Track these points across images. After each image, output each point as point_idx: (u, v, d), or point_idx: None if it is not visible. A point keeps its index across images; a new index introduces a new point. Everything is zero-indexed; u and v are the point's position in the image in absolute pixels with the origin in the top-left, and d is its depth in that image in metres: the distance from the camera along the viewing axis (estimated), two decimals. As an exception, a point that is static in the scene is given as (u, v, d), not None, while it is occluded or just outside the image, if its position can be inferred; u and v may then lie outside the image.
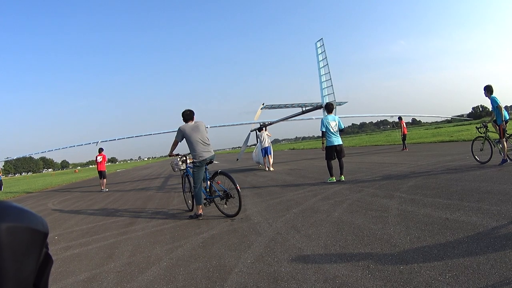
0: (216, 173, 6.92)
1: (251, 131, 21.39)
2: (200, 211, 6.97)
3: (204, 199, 7.01)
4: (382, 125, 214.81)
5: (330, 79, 16.48)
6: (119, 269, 4.44)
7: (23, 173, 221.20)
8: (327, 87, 16.63)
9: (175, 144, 7.26)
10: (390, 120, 27.82)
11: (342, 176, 9.65)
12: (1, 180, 30.07)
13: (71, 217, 9.59)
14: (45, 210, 12.01)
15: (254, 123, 21.83)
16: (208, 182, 7.03)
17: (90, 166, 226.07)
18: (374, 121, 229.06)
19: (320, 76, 17.14)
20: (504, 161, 9.04)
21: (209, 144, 7.01)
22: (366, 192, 7.54)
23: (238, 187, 6.43)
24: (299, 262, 3.83)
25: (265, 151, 16.47)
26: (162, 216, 7.99)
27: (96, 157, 17.52)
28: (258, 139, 16.96)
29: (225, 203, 6.72)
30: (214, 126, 26.31)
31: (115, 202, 12.00)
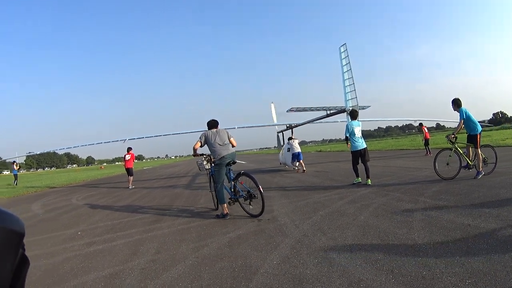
0: (239, 174, 7.50)
1: (278, 132, 24.47)
2: (226, 211, 7.45)
3: (229, 198, 7.66)
4: (407, 129, 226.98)
5: (353, 83, 18.01)
6: (143, 266, 4.64)
7: (46, 168, 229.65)
8: (350, 91, 18.32)
9: (196, 147, 7.94)
10: (415, 124, 28.76)
11: (369, 180, 10.17)
12: (16, 174, 31.75)
13: (96, 213, 10.06)
14: (68, 205, 12.61)
15: (280, 124, 24.53)
16: (232, 183, 7.61)
17: (117, 163, 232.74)
18: (400, 125, 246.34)
19: (344, 80, 18.81)
20: (479, 173, 9.34)
21: (227, 144, 7.76)
22: (391, 196, 7.93)
23: (260, 188, 6.88)
24: (324, 265, 3.99)
25: (299, 156, 17.55)
26: (188, 214, 8.33)
27: (125, 156, 19.01)
28: (289, 146, 18.22)
29: (249, 203, 7.18)
30: (241, 127, 27.93)
31: (141, 199, 12.48)
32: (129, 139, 27.49)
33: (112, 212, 9.85)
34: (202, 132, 7.99)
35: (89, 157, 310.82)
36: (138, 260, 4.92)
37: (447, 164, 9.65)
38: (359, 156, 10.55)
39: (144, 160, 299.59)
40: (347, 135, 10.74)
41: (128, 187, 18.47)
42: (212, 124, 8.08)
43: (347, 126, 10.79)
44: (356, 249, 4.38)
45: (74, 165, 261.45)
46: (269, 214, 7.19)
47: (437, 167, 9.65)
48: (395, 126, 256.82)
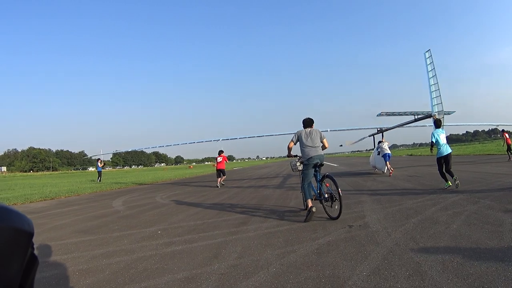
0: (324, 176, 8.32)
1: (369, 135, 27.83)
2: (310, 204, 7.86)
3: (315, 199, 8.32)
4: (493, 133, 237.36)
5: (439, 89, 20.30)
6: (222, 271, 4.65)
7: (133, 166, 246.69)
8: (436, 96, 20.53)
9: (290, 146, 8.90)
10: (499, 129, 28.08)
11: (449, 182, 11.42)
12: (100, 171, 34.08)
13: (179, 212, 10.45)
14: (152, 203, 13.26)
15: (370, 128, 27.52)
16: (318, 184, 8.35)
17: (206, 163, 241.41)
18: (486, 130, 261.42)
19: (430, 85, 20.95)
20: None
21: (317, 147, 8.48)
22: (482, 204, 8.29)
23: (340, 191, 7.53)
24: (416, 279, 4.00)
25: (388, 157, 19.44)
26: (277, 216, 8.52)
27: (216, 158, 21.18)
28: (379, 150, 20.39)
29: (330, 205, 7.93)
30: (333, 130, 30.21)
31: (229, 200, 12.88)
32: (222, 139, 30.58)
33: (197, 212, 10.16)
34: (296, 131, 8.88)
35: (178, 157, 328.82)
36: (218, 265, 4.96)
37: None
38: (443, 162, 11.86)
39: (234, 161, 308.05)
40: (433, 141, 12.16)
41: (216, 186, 19.84)
42: (307, 123, 8.92)
43: (432, 134, 12.19)
44: (449, 261, 4.45)
45: (163, 164, 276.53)
46: (361, 220, 7.48)
47: None
48: (482, 131, 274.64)
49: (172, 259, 5.42)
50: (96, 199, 16.61)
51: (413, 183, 13.89)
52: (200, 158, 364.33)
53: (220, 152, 21.06)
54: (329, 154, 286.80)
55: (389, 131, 26.33)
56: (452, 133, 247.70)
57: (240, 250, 5.65)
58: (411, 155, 62.30)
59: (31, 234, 0.79)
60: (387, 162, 19.21)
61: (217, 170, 20.75)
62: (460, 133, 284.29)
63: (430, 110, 21.29)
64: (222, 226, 7.77)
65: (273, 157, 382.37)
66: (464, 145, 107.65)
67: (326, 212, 8.09)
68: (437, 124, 12.57)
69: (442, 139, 11.93)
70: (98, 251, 6.25)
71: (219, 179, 20.28)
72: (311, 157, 8.26)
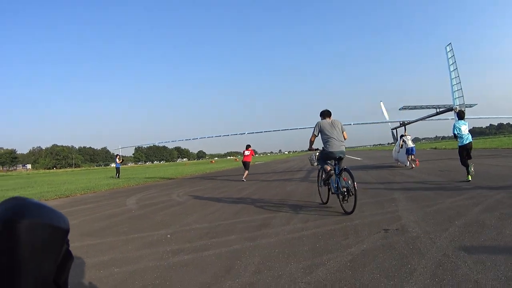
0: (342, 170, 8.13)
1: (392, 129, 27.84)
2: (330, 171, 8.33)
3: (332, 192, 8.51)
4: None
5: (460, 82, 20.50)
6: (235, 290, 3.84)
7: (155, 162, 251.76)
8: (457, 90, 20.68)
9: (312, 138, 8.96)
10: None
11: (469, 176, 11.80)
12: (118, 167, 33.87)
13: (194, 211, 9.74)
14: (167, 201, 12.59)
15: (393, 121, 27.74)
16: (337, 178, 8.23)
17: (228, 157, 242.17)
18: (511, 122, 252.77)
19: (451, 79, 21.10)
20: None
21: (342, 141, 8.50)
22: None
23: (355, 185, 7.48)
24: None
25: (412, 151, 19.96)
26: (302, 218, 7.73)
27: (244, 151, 22.09)
28: (403, 142, 20.82)
29: (346, 199, 7.76)
30: (357, 124, 31.93)
31: (250, 196, 12.34)
32: (248, 133, 33.02)
33: (213, 212, 9.46)
34: (317, 122, 8.84)
35: (200, 151, 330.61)
36: (230, 282, 4.15)
37: None
38: (465, 150, 12.38)
39: (256, 155, 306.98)
40: (455, 133, 12.78)
41: (242, 180, 20.14)
42: (326, 113, 8.98)
43: (454, 125, 12.90)
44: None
45: (185, 159, 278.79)
46: (396, 222, 6.64)
47: None
48: (506, 124, 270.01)
49: (177, 272, 4.65)
50: (111, 196, 16.09)
51: (445, 178, 13.23)
52: (223, 153, 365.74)
53: (248, 146, 21.84)
54: (351, 147, 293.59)
55: (411, 124, 26.28)
56: (475, 126, 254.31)
57: (258, 261, 4.82)
58: (435, 148, 61.65)
59: (66, 231, 0.81)
60: (413, 155, 19.88)
61: (243, 162, 21.73)
62: (484, 126, 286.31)
63: (452, 104, 21.43)
64: (239, 229, 6.98)
65: (295, 151, 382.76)
66: (489, 138, 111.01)
67: (342, 206, 7.97)
68: (460, 115, 13.36)
69: (464, 130, 12.58)
70: (97, 259, 5.56)
71: (246, 172, 21.03)
72: (333, 152, 8.32)
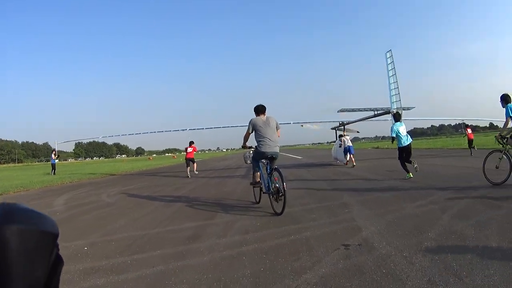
0: (272, 169, 7.80)
1: (332, 128, 28.73)
2: (258, 179, 8.31)
3: (264, 192, 8.19)
4: (460, 128, 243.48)
5: (398, 87, 22.09)
6: None
7: (95, 158, 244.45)
8: (395, 94, 22.23)
9: (246, 136, 8.64)
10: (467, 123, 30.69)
11: (410, 174, 11.87)
12: (54, 163, 31.99)
13: (122, 215, 8.55)
14: (96, 202, 11.35)
15: (333, 121, 29.32)
16: (268, 177, 7.93)
17: (166, 154, 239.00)
18: (452, 124, 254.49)
19: (390, 83, 22.61)
20: None
21: (275, 141, 8.15)
22: (507, 208, 6.43)
23: (285, 186, 7.10)
24: None
25: (347, 150, 20.05)
26: (241, 227, 6.56)
27: (186, 148, 21.59)
28: (340, 142, 21.29)
29: (276, 200, 7.41)
30: (296, 122, 34.97)
31: (186, 197, 11.23)
32: (189, 129, 34.57)
33: (143, 216, 8.28)
34: (250, 119, 8.40)
35: (138, 148, 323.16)
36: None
37: (496, 167, 9.45)
38: (404, 151, 12.53)
39: (194, 152, 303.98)
40: (393, 136, 12.87)
41: (187, 176, 20.10)
42: (260, 110, 8.48)
43: (392, 127, 12.96)
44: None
45: (123, 156, 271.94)
46: (356, 234, 5.38)
47: (486, 171, 9.54)
48: (448, 125, 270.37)
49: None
50: (42, 195, 14.71)
51: (395, 178, 12.19)
52: (161, 150, 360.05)
53: (191, 142, 21.58)
54: (289, 146, 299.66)
55: (350, 124, 27.20)
56: (416, 127, 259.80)
57: (186, 293, 3.64)
58: (377, 147, 60.36)
59: (56, 235, 0.76)
60: (351, 155, 19.89)
61: (186, 159, 21.27)
62: (425, 127, 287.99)
63: (389, 106, 22.99)
64: (167, 241, 5.80)
65: (234, 149, 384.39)
66: (431, 138, 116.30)
67: (272, 207, 7.63)
68: (396, 118, 13.47)
69: (402, 131, 12.62)
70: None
71: (188, 168, 20.70)
72: (265, 152, 8.04)
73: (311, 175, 16.06)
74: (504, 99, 9.52)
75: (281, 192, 7.19)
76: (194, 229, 6.51)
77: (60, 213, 9.52)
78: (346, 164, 20.34)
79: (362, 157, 25.44)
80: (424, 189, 9.25)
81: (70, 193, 14.64)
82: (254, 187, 8.74)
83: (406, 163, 12.39)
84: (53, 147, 36.96)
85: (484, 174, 9.51)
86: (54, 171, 30.78)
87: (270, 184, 7.76)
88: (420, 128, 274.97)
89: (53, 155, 32.36)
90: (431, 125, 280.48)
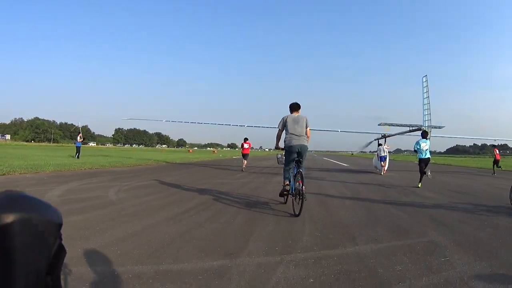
0: (298, 172, 7.96)
1: (375, 139, 30.76)
2: (286, 186, 8.24)
3: (289, 193, 8.20)
4: (502, 149, 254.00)
5: (429, 108, 25.37)
6: None
7: (134, 145, 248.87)
8: (427, 114, 25.41)
9: (279, 134, 8.86)
10: (495, 144, 34.56)
11: (420, 183, 14.51)
12: (79, 146, 30.45)
13: (113, 226, 6.19)
14: (95, 199, 9.01)
15: (376, 133, 30.74)
16: (293, 179, 8.12)
17: (208, 148, 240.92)
18: (495, 144, 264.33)
19: (423, 104, 25.84)
20: None
21: (301, 136, 8.34)
22: None
23: (304, 189, 7.46)
24: None
25: (383, 158, 22.76)
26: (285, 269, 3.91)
27: (243, 144, 23.78)
28: (378, 149, 23.96)
29: (298, 202, 7.60)
30: (344, 131, 36.26)
31: (206, 206, 8.63)
32: (247, 126, 35.47)
33: (138, 232, 5.80)
34: (282, 117, 8.73)
35: (180, 139, 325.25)
36: None
37: None
38: (423, 163, 14.64)
39: (236, 149, 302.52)
40: (415, 149, 15.12)
41: (241, 170, 22.14)
42: (294, 107, 8.78)
43: (417, 142, 15.05)
44: None
45: (164, 146, 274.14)
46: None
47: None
48: (490, 145, 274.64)
49: None
50: (45, 181, 12.75)
51: (474, 206, 9.67)
52: (203, 144, 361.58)
53: (246, 139, 23.67)
54: (334, 151, 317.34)
55: (390, 137, 29.63)
56: (458, 144, 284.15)
57: None
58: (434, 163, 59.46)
59: (59, 225, 0.78)
60: (382, 163, 22.68)
61: (242, 154, 23.47)
62: (467, 145, 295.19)
63: (421, 124, 25.78)
64: None
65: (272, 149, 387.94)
66: (473, 157, 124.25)
67: (293, 207, 7.74)
68: (423, 135, 15.59)
69: (423, 147, 14.87)
70: None
71: (245, 161, 22.96)
72: (292, 146, 8.21)
73: (368, 190, 13.51)
74: None
75: (301, 195, 7.49)
76: (207, 275, 4.05)
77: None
78: (382, 173, 22.38)
79: (414, 171, 23.22)
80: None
81: (76, 183, 12.51)
82: (282, 196, 8.59)
83: (423, 173, 14.55)
84: (86, 128, 35.32)
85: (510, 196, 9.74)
86: (78, 155, 29.26)
87: (293, 186, 7.93)
88: (462, 146, 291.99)
89: (78, 138, 30.79)
90: (474, 144, 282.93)
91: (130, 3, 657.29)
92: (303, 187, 7.46)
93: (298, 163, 8.21)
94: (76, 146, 30.18)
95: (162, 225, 6.33)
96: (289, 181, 8.22)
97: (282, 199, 9.06)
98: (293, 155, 8.20)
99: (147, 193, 10.42)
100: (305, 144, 8.30)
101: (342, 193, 11.94)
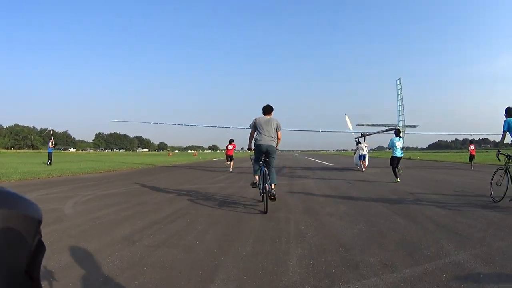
0: (265, 171, 8.34)
1: (355, 138, 31.36)
2: (256, 180, 8.96)
3: (258, 189, 8.93)
4: (483, 143, 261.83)
5: (403, 109, 26.54)
6: None
7: (115, 149, 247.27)
8: (401, 115, 26.63)
9: (251, 135, 9.27)
10: (477, 138, 31.05)
11: (398, 179, 15.25)
12: (50, 152, 29.40)
13: (56, 253, 4.81)
14: (53, 212, 7.28)
15: (356, 132, 32.24)
16: (262, 178, 8.48)
17: (189, 151, 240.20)
18: (476, 138, 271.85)
19: (398, 105, 26.95)
20: None
21: (270, 137, 8.80)
22: None
23: (267, 187, 7.93)
24: None
25: (363, 157, 24.04)
26: None
27: (227, 146, 24.28)
28: (358, 148, 25.70)
29: (266, 200, 8.00)
30: (325, 131, 37.37)
31: (178, 217, 7.38)
32: (232, 127, 35.99)
33: (73, 265, 4.51)
34: (253, 118, 9.17)
35: (161, 143, 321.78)
36: None
37: (498, 184, 9.09)
38: (396, 160, 15.94)
39: (218, 151, 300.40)
40: (389, 147, 16.59)
41: (228, 171, 22.73)
42: (267, 110, 9.22)
43: (391, 140, 16.58)
44: None
45: (145, 149, 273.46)
46: None
47: (492, 190, 9.41)
48: (471, 139, 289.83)
49: None
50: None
51: (485, 210, 8.47)
52: (184, 146, 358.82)
53: (231, 140, 24.32)
54: (315, 150, 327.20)
55: (369, 136, 31.57)
56: (441, 140, 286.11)
57: None
58: (409, 158, 58.46)
59: (39, 221, 0.78)
60: (363, 161, 24.00)
61: (226, 155, 24.27)
62: (449, 140, 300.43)
63: (396, 124, 27.16)
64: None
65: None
66: (456, 152, 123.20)
67: (264, 205, 8.06)
68: (396, 133, 16.84)
69: (398, 145, 16.07)
70: None
71: (232, 162, 23.59)
72: (261, 145, 8.63)
73: (358, 191, 12.23)
74: (508, 112, 9.18)
75: (270, 193, 8.00)
76: None
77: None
78: (363, 170, 23.28)
79: (407, 170, 23.16)
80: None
81: (37, 193, 11.46)
82: (253, 187, 9.41)
83: (395, 169, 15.60)
84: (66, 134, 34.17)
85: (490, 192, 9.46)
86: (50, 161, 28.01)
87: (263, 186, 8.20)
88: (444, 141, 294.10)
89: (50, 143, 30.15)
90: (455, 139, 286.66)
91: (127, 3, 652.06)
92: (267, 184, 7.99)
93: (266, 164, 8.61)
94: (48, 152, 29.19)
95: (107, 250, 5.05)
96: (258, 175, 8.79)
97: (260, 198, 9.16)
98: (261, 153, 8.68)
99: (108, 204, 9.30)
100: (273, 145, 8.80)
101: (329, 194, 11.33)
